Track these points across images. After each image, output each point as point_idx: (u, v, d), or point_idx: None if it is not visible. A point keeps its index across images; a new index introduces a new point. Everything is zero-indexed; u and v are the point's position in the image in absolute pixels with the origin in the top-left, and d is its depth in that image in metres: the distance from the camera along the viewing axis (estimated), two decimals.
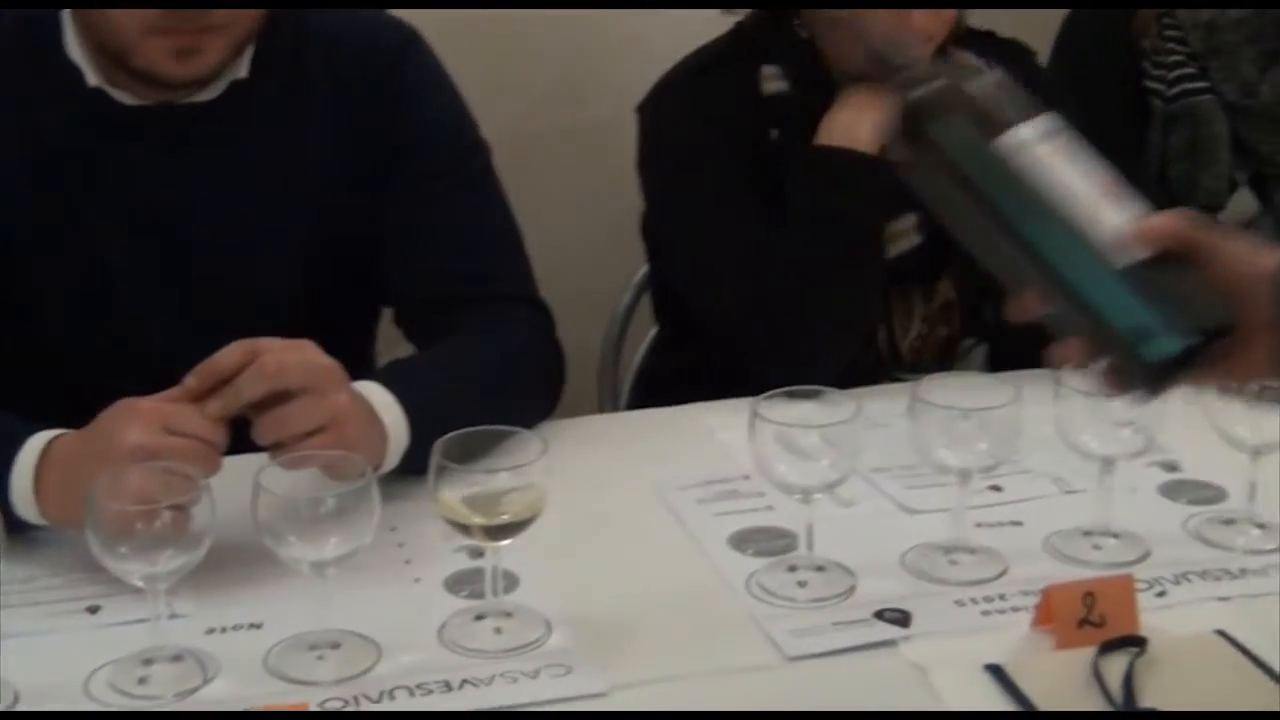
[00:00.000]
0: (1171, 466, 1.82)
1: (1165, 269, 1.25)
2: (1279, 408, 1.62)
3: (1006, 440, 1.58)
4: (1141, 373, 1.26)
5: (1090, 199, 1.26)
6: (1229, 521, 1.69)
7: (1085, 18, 2.47)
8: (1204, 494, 1.76)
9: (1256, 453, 1.65)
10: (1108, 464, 1.63)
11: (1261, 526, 1.67)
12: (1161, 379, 1.26)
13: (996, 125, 1.27)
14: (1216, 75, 2.38)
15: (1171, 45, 2.39)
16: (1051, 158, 1.27)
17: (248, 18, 1.77)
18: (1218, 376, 1.32)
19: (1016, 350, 2.01)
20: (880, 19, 1.91)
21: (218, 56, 1.76)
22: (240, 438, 1.56)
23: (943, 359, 2.09)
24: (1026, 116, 1.28)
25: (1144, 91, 2.40)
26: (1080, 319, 1.27)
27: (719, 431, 1.87)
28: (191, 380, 1.55)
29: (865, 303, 2.02)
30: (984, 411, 1.57)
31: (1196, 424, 1.66)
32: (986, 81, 1.30)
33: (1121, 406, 1.60)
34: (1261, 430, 1.63)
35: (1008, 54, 2.14)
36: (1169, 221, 1.27)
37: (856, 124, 1.98)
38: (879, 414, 1.75)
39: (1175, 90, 2.39)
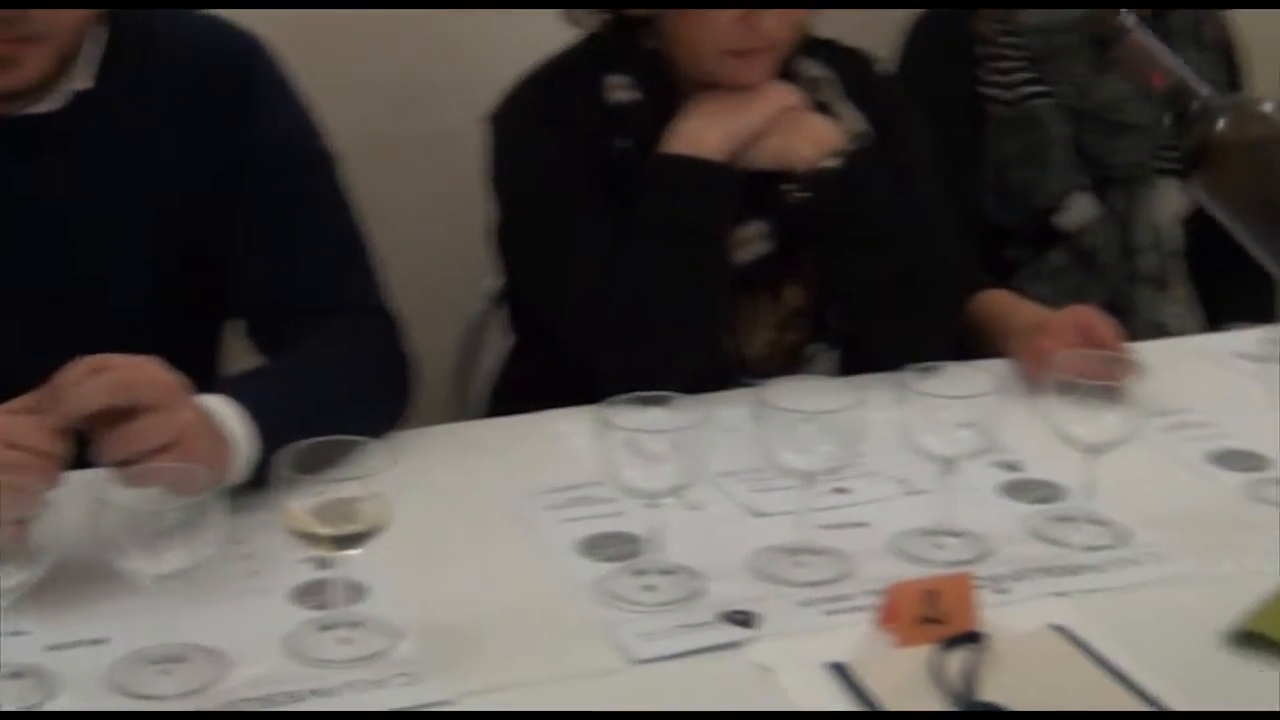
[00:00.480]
0: (1013, 466, 1.85)
1: None
2: (1114, 407, 1.67)
3: (850, 443, 1.61)
4: None
5: None
6: (1067, 519, 1.72)
7: (925, 25, 2.51)
8: (1043, 492, 1.80)
9: (1093, 451, 1.68)
10: (949, 465, 1.66)
11: (1099, 523, 1.71)
12: None
13: None
14: (1054, 79, 2.43)
15: (1010, 50, 2.44)
16: None
17: (68, 27, 1.74)
18: None
19: (864, 355, 2.05)
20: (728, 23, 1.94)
21: (38, 67, 1.74)
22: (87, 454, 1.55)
23: (791, 365, 2.11)
24: None
25: (983, 97, 2.44)
26: None
27: (570, 438, 1.88)
28: (30, 398, 1.54)
29: (713, 309, 2.03)
30: (827, 415, 1.59)
31: (1036, 424, 1.70)
32: (1273, 103, 1.38)
33: (962, 408, 1.64)
34: (1097, 429, 1.67)
35: (849, 62, 2.17)
36: None
37: (703, 131, 2.00)
38: (727, 419, 1.77)
39: (1014, 94, 2.43)
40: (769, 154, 2.02)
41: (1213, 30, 2.54)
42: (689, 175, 1.98)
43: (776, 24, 2.00)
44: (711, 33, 1.99)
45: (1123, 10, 1.47)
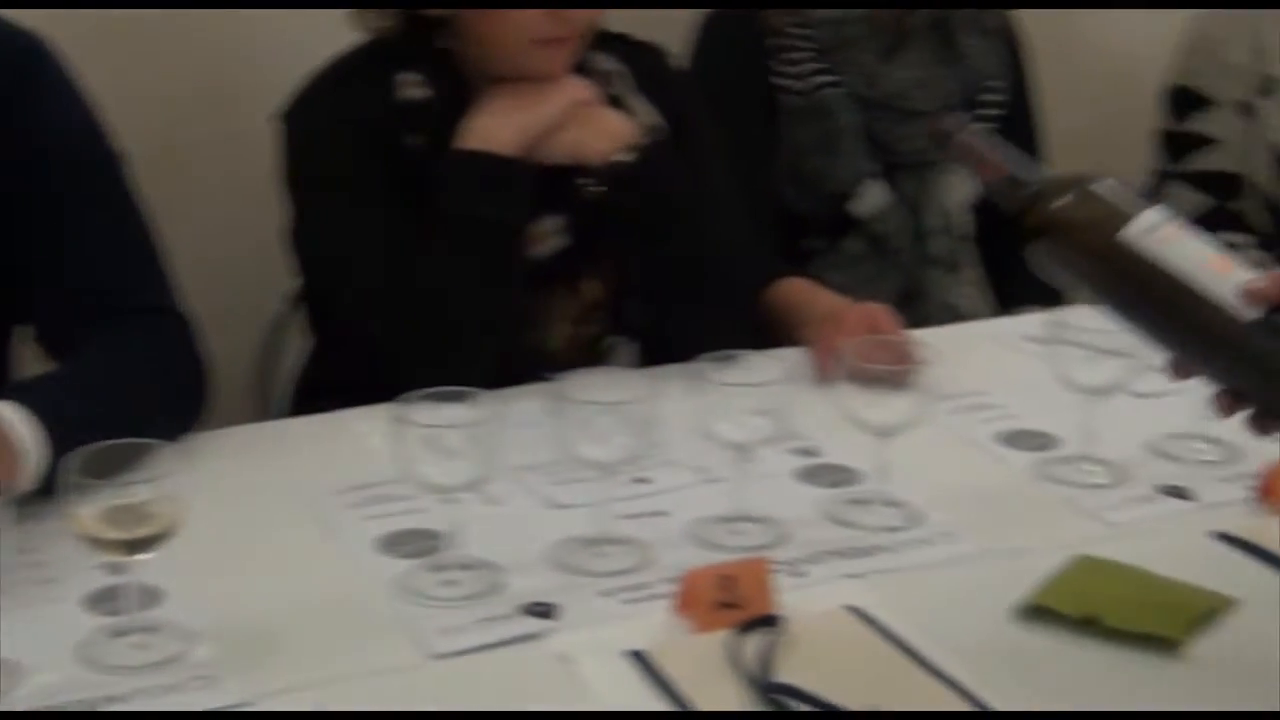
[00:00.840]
0: (809, 452, 1.88)
1: None
2: (903, 392, 1.70)
3: (646, 433, 1.62)
4: None
5: (1211, 267, 1.43)
6: (861, 502, 1.76)
7: (717, 19, 2.54)
8: (838, 477, 1.83)
9: (884, 435, 1.71)
10: (744, 452, 1.68)
11: (892, 505, 1.74)
12: None
13: (1125, 216, 1.45)
14: (843, 69, 2.47)
15: (800, 41, 2.48)
16: (1170, 239, 1.44)
17: None
18: None
19: (663, 346, 2.07)
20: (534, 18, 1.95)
21: None
22: None
23: (591, 358, 2.12)
24: (1145, 206, 1.46)
25: (775, 88, 2.48)
26: (1223, 375, 1.44)
27: (368, 436, 1.87)
28: None
29: (510, 305, 2.04)
30: (623, 406, 1.60)
31: (830, 410, 1.73)
32: (1108, 182, 1.49)
33: (757, 395, 1.66)
34: (888, 413, 1.70)
35: (641, 56, 2.18)
36: (1276, 278, 1.41)
37: (496, 127, 2.00)
38: (525, 413, 1.78)
39: (805, 85, 2.47)
40: (563, 148, 2.03)
41: (995, 20, 2.60)
42: (482, 171, 1.98)
43: (584, 13, 2.01)
44: (520, 24, 1.99)
45: (948, 116, 1.59)
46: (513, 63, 2.03)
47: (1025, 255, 1.53)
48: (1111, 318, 1.52)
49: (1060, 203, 1.50)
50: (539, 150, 2.02)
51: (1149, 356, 1.80)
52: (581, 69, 2.08)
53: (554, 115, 2.02)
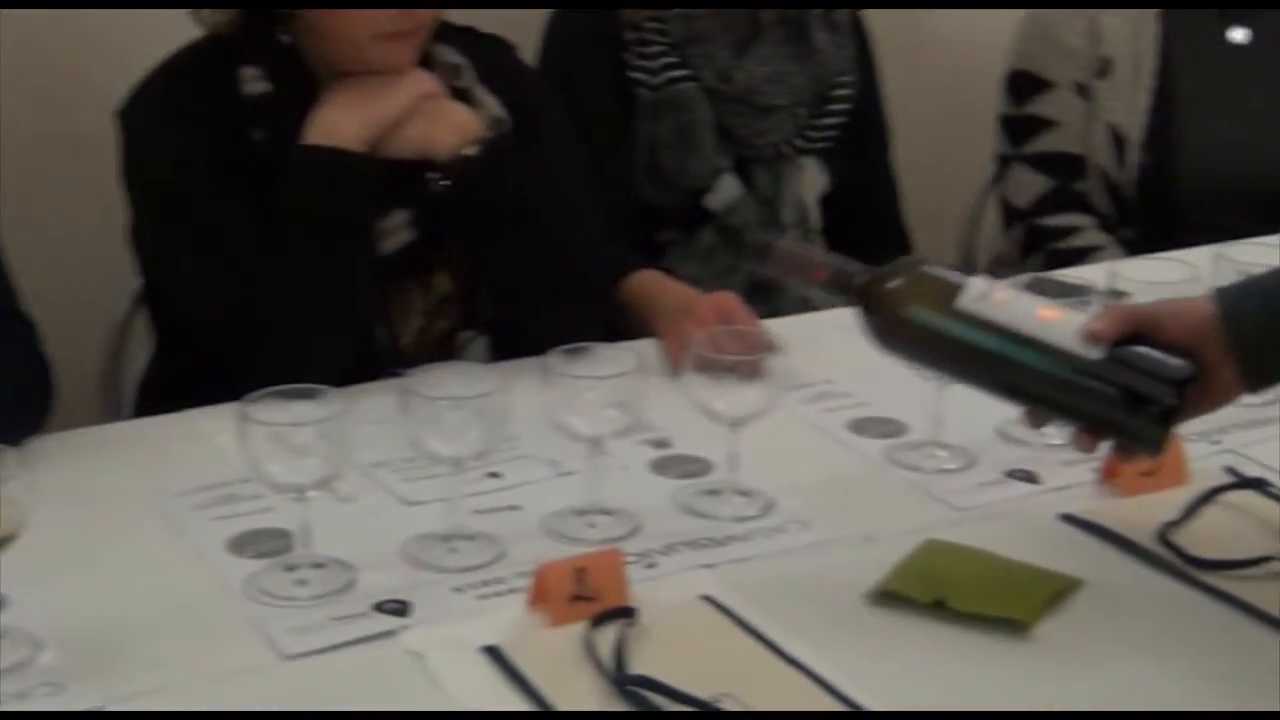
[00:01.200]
0: (661, 443, 1.88)
1: (1128, 351, 1.51)
2: (754, 381, 1.71)
3: (497, 427, 1.62)
4: (1149, 438, 1.52)
5: (1045, 322, 1.53)
6: (714, 492, 1.76)
7: (569, 14, 2.53)
8: (691, 467, 1.83)
9: (735, 424, 1.72)
10: (596, 444, 1.68)
11: (745, 494, 1.75)
12: (1164, 434, 1.52)
13: (956, 287, 1.55)
14: (696, 62, 2.48)
15: (655, 35, 2.48)
16: (1002, 301, 1.54)
17: None
18: (1195, 413, 1.55)
19: (515, 339, 2.06)
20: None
21: None
22: None
23: (443, 352, 2.10)
24: (969, 276, 1.56)
25: (630, 81, 2.48)
26: (1079, 417, 1.54)
27: (216, 436, 1.84)
28: None
29: (359, 301, 2.02)
30: (472, 400, 1.60)
31: (682, 401, 1.73)
32: (932, 261, 1.61)
33: (609, 388, 1.66)
34: (739, 403, 1.71)
35: (488, 49, 2.17)
36: (1111, 317, 1.53)
37: (341, 121, 1.98)
38: (376, 409, 1.78)
39: (660, 79, 2.48)
40: (409, 142, 2.01)
41: (844, 16, 2.62)
42: (328, 166, 1.96)
43: (429, 6, 1.99)
44: (363, 20, 1.96)
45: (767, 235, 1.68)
46: (356, 57, 2.00)
47: (871, 338, 1.61)
48: (960, 382, 1.61)
49: (895, 284, 1.58)
50: (385, 144, 2.00)
51: None
52: (426, 62, 2.07)
53: (399, 109, 2.00)
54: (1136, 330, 1.53)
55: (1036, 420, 1.59)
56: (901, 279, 1.59)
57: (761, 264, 1.65)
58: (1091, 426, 1.55)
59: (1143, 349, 1.52)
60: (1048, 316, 1.53)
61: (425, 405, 1.59)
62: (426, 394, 1.59)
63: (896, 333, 1.59)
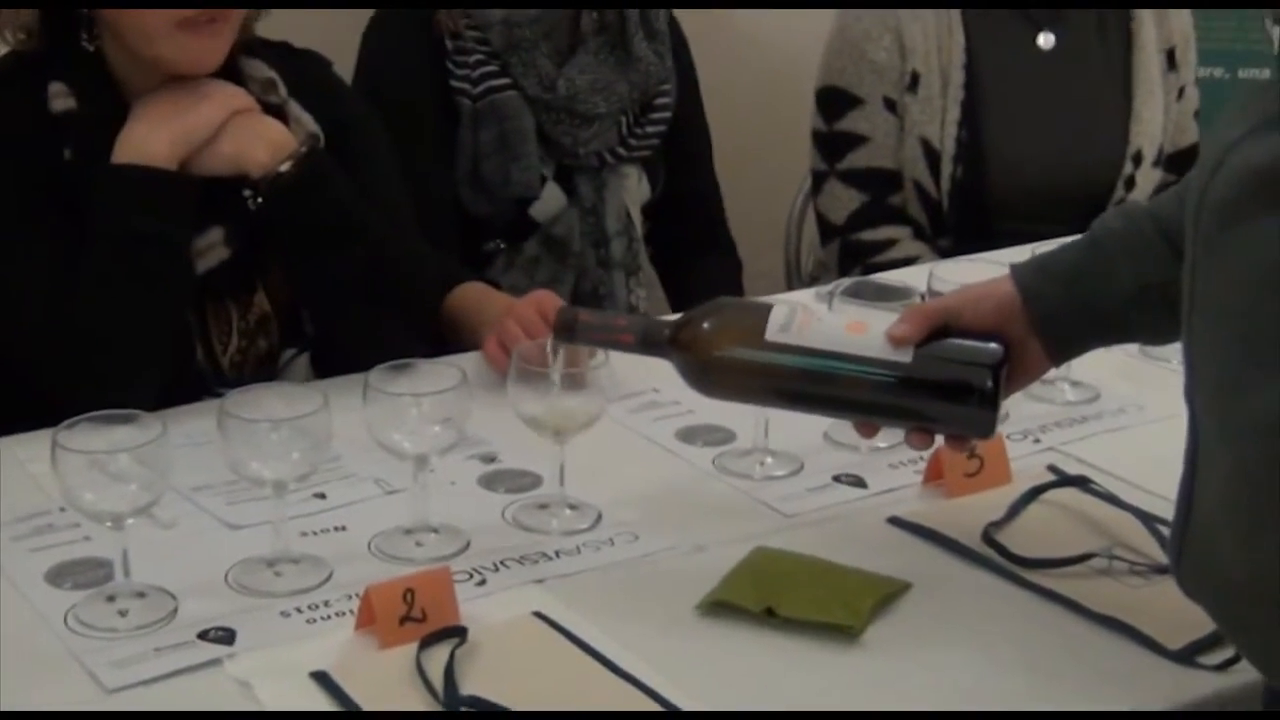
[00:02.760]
0: (490, 458, 1.86)
1: (937, 346, 1.57)
2: (579, 392, 1.70)
3: (319, 447, 1.59)
4: (977, 424, 1.57)
5: (852, 337, 1.57)
6: (544, 506, 1.75)
7: (386, 20, 2.51)
8: (520, 481, 1.82)
9: (561, 437, 1.71)
10: (421, 461, 1.66)
11: (573, 508, 1.74)
12: (992, 418, 1.56)
13: (760, 325, 1.58)
14: (517, 71, 2.47)
15: (475, 44, 2.47)
16: (808, 325, 1.58)
17: None
18: (1012, 390, 1.61)
19: (338, 356, 2.03)
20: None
21: None
22: None
23: (264, 371, 2.07)
24: (770, 308, 1.60)
25: (451, 91, 2.46)
26: (906, 418, 1.59)
27: (30, 464, 1.79)
28: None
29: (175, 321, 1.98)
30: (293, 420, 1.57)
31: (509, 414, 1.72)
32: (733, 301, 1.67)
33: (432, 403, 1.64)
34: (563, 415, 1.69)
35: (303, 65, 2.14)
36: (911, 319, 1.58)
37: (152, 139, 1.93)
38: (198, 431, 1.75)
39: (481, 88, 2.46)
40: (222, 159, 1.97)
41: (662, 23, 2.62)
42: (139, 185, 1.92)
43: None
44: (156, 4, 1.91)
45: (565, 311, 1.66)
46: (156, 51, 1.94)
47: (691, 385, 1.64)
48: (786, 409, 1.65)
49: (703, 329, 1.62)
50: (197, 161, 1.96)
51: None
52: (238, 77, 2.03)
53: (211, 124, 1.96)
54: (939, 325, 1.58)
55: (867, 431, 1.65)
56: (708, 323, 1.62)
57: (568, 338, 1.65)
58: (920, 425, 1.59)
59: (951, 341, 1.57)
60: (853, 330, 1.58)
61: (245, 427, 1.56)
62: (246, 415, 1.56)
63: (714, 376, 1.62)
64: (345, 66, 2.38)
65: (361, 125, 2.15)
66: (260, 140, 1.98)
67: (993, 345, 1.57)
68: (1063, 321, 1.59)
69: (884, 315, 1.61)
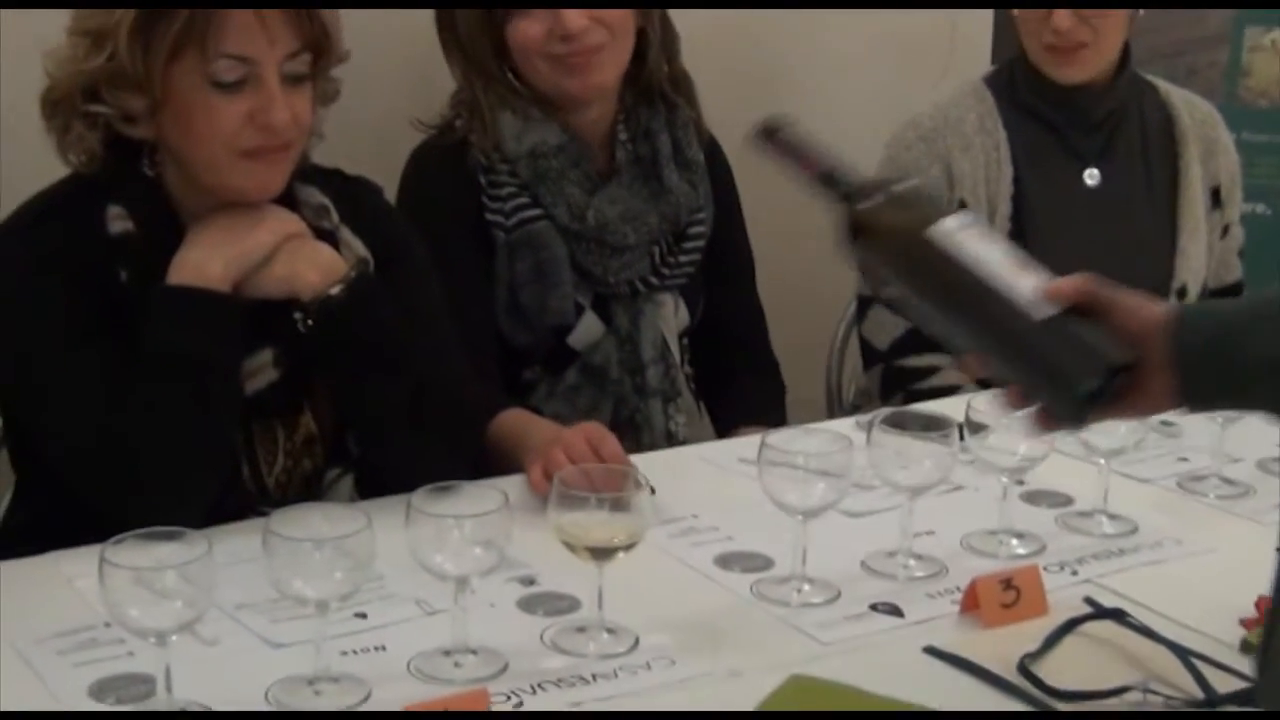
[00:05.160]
0: (530, 580, 1.88)
1: (1076, 320, 1.54)
2: (621, 516, 1.71)
3: (361, 567, 1.61)
4: (1068, 408, 1.54)
5: (1007, 269, 1.55)
6: (581, 629, 1.76)
7: (427, 155, 2.55)
8: (559, 604, 1.83)
9: (603, 559, 1.72)
10: (462, 583, 1.68)
11: (611, 631, 1.75)
12: (1083, 412, 1.54)
13: (928, 218, 1.58)
14: (547, 201, 2.50)
15: (505, 176, 2.51)
16: (972, 240, 1.56)
17: None
18: (1125, 411, 1.59)
19: (382, 478, 2.06)
20: None
21: None
22: None
23: (309, 491, 2.10)
24: (947, 211, 1.59)
25: (488, 223, 2.50)
26: (1013, 369, 1.57)
27: (77, 579, 1.82)
28: None
29: (224, 441, 2.01)
30: (336, 540, 1.59)
31: (549, 537, 1.73)
32: (914, 184, 1.64)
33: (474, 526, 1.66)
34: (607, 537, 1.71)
35: (354, 191, 2.19)
36: (1074, 281, 1.55)
37: (207, 261, 1.98)
38: (241, 549, 1.77)
39: (514, 220, 2.50)
40: (274, 282, 2.02)
41: (695, 153, 2.65)
42: (192, 307, 1.96)
43: (289, 120, 1.99)
44: (226, 134, 1.97)
45: (771, 117, 1.69)
46: (220, 182, 2.01)
47: (842, 244, 1.64)
48: (916, 315, 1.66)
49: (868, 204, 1.62)
50: (250, 283, 2.01)
51: (857, 477, 1.88)
52: (292, 202, 2.08)
53: (264, 248, 2.01)
54: (1093, 305, 1.55)
55: (975, 366, 1.66)
56: (876, 199, 1.62)
57: (763, 145, 1.69)
58: (1025, 386, 1.57)
59: (1094, 322, 1.54)
60: (1011, 264, 1.56)
61: (288, 546, 1.58)
62: (290, 534, 1.59)
63: (865, 249, 1.63)
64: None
65: (409, 252, 2.20)
66: (312, 264, 2.03)
67: (1124, 347, 1.53)
68: (1196, 367, 1.53)
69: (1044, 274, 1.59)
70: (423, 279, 2.20)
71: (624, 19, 2.51)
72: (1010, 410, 1.60)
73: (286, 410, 2.09)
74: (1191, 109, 2.93)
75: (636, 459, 2.10)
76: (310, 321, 2.02)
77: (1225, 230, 2.93)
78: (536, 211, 2.50)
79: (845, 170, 1.66)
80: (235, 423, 2.02)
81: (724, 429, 2.66)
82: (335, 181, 2.16)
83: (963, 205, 2.76)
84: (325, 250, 2.06)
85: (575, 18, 2.44)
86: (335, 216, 2.12)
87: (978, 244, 1.57)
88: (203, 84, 1.96)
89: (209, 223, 2.01)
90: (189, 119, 1.98)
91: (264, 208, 2.04)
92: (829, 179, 1.65)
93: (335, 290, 2.02)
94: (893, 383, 2.81)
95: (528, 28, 2.48)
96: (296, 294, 2.02)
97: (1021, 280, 1.54)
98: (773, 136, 1.68)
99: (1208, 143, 2.90)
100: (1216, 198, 2.90)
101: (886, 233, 1.60)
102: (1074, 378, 1.52)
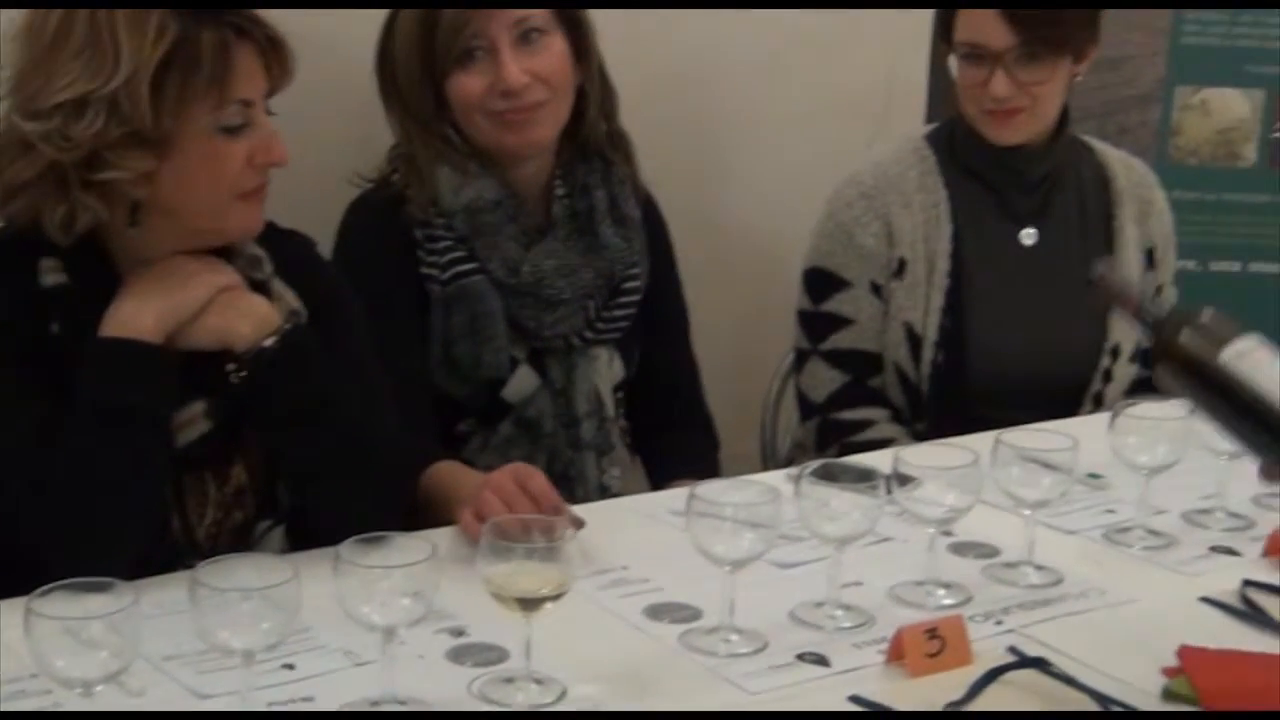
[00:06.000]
0: (459, 631, 1.88)
1: None
2: (552, 565, 1.72)
3: (289, 617, 1.62)
4: None
5: None
6: (509, 680, 1.77)
7: (362, 209, 2.56)
8: (487, 655, 1.83)
9: (530, 610, 1.73)
10: (389, 634, 1.68)
11: (539, 682, 1.76)
12: None
13: (1225, 340, 1.77)
14: (483, 256, 2.51)
15: (442, 232, 2.52)
16: (1261, 361, 1.76)
17: None
18: None
19: (313, 529, 2.06)
20: None
21: None
22: None
23: (240, 543, 2.10)
24: (1238, 334, 1.78)
25: (422, 278, 2.51)
26: None
27: (4, 631, 1.81)
28: None
29: (155, 493, 2.01)
30: (264, 590, 1.60)
31: (478, 588, 1.74)
32: (1209, 313, 1.82)
33: (403, 576, 1.67)
34: (536, 586, 1.72)
35: (287, 244, 2.20)
36: None
37: (139, 314, 1.98)
38: (171, 601, 1.77)
39: (449, 274, 2.51)
40: (207, 334, 2.02)
41: (632, 209, 2.66)
42: (124, 359, 1.96)
43: (284, 156, 2.04)
44: (229, 179, 2.01)
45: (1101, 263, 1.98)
46: (217, 223, 2.04)
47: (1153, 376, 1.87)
48: (1214, 428, 1.86)
49: (1172, 334, 1.81)
50: (184, 335, 2.01)
51: (786, 528, 1.89)
52: (226, 253, 2.09)
53: (198, 301, 2.01)
54: None
55: (1272, 474, 1.82)
56: (1179, 330, 1.81)
57: (1092, 292, 1.99)
58: None
59: None
60: None
61: (216, 596, 1.59)
62: (217, 585, 1.59)
63: (1170, 374, 1.82)
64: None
65: (341, 304, 2.21)
66: (245, 316, 2.04)
67: None
68: None
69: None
70: (354, 331, 2.21)
71: (564, 76, 2.53)
72: None
73: (218, 461, 2.09)
74: (1128, 170, 2.97)
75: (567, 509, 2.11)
76: (243, 373, 2.03)
77: (1158, 291, 2.97)
78: (472, 266, 2.51)
79: (1155, 307, 1.90)
80: (166, 475, 2.02)
81: (658, 482, 2.67)
82: (268, 234, 2.16)
83: (902, 263, 2.79)
84: (259, 302, 2.07)
85: (516, 75, 2.46)
86: (269, 268, 2.13)
87: (1264, 365, 1.76)
88: (211, 131, 1.99)
89: (143, 275, 2.02)
90: (194, 168, 2.00)
91: (198, 259, 2.05)
92: (1141, 312, 1.88)
93: (268, 343, 2.03)
94: (828, 435, 2.84)
95: (468, 82, 2.50)
96: (229, 346, 2.03)
97: None
98: (1100, 283, 1.95)
99: (1143, 204, 2.95)
100: (1151, 258, 2.95)
101: (1185, 361, 1.80)
102: None
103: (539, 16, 2.50)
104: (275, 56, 2.04)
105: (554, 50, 2.52)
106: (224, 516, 2.10)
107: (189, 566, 1.93)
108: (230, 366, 2.03)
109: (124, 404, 1.96)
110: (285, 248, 2.18)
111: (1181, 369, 1.80)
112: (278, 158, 2.04)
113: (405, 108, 2.55)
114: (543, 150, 2.58)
